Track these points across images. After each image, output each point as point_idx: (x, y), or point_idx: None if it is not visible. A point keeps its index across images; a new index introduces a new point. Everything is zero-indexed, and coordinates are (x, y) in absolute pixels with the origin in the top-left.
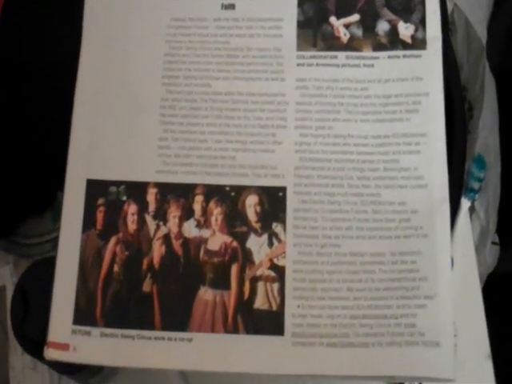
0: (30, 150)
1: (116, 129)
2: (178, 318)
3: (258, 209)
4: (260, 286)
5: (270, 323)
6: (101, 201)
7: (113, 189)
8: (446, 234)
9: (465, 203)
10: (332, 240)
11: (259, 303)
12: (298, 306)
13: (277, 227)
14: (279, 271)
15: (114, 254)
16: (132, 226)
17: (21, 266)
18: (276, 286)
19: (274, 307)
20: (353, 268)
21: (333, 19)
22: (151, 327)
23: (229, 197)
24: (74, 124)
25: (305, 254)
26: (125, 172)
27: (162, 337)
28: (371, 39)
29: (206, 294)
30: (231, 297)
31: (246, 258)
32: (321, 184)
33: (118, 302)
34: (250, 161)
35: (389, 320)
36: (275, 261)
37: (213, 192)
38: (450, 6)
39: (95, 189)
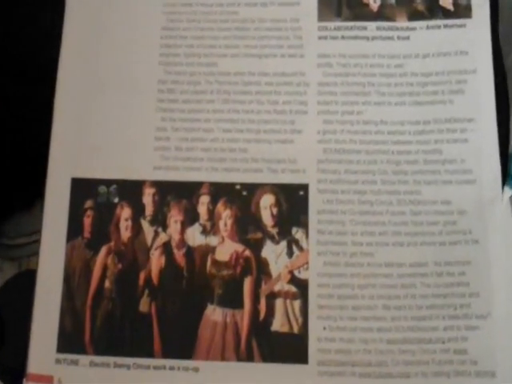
0: (12, 135)
1: (105, 117)
2: (181, 344)
3: (275, 211)
4: (278, 303)
5: (291, 349)
6: (88, 204)
7: (102, 189)
8: (499, 240)
9: (507, 192)
10: (363, 248)
11: (278, 325)
12: (325, 328)
13: (297, 233)
14: (301, 286)
15: (105, 267)
16: (126, 233)
17: (5, 270)
18: (297, 303)
19: (296, 329)
20: (389, 281)
21: None
22: (150, 354)
23: (240, 197)
24: (57, 111)
25: (331, 265)
26: (116, 169)
27: (162, 366)
28: (406, 7)
29: (214, 313)
30: (244, 317)
31: (262, 271)
32: (349, 180)
33: (110, 324)
34: (265, 154)
35: (434, 345)
36: (296, 273)
37: (221, 191)
38: None
39: (82, 189)
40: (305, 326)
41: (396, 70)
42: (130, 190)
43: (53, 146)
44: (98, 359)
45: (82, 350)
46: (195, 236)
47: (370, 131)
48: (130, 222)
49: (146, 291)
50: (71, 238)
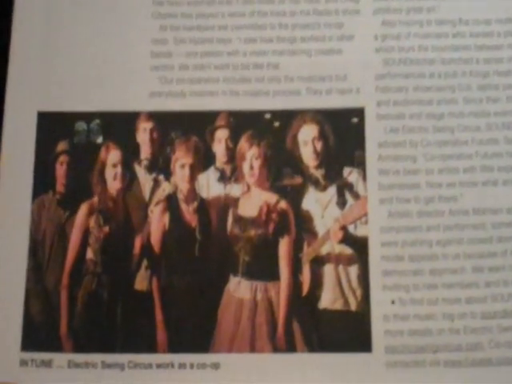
0: None
1: (83, 28)
2: (195, 332)
3: (319, 146)
4: (328, 271)
5: (348, 333)
6: (62, 146)
7: (81, 126)
8: None
9: None
10: (443, 190)
11: (328, 300)
12: (393, 302)
13: (351, 174)
14: (358, 246)
15: (87, 232)
16: (114, 184)
17: None
18: (354, 270)
19: (353, 306)
20: (481, 234)
21: None
22: (151, 349)
23: (271, 129)
24: (16, 22)
25: (399, 216)
26: (99, 98)
27: (169, 363)
28: None
29: (239, 289)
30: (281, 292)
31: (303, 228)
32: (421, 100)
33: (94, 309)
34: (303, 69)
35: None
36: (351, 229)
37: (244, 123)
38: None
39: (52, 127)
40: (366, 300)
41: None
42: (119, 125)
43: (11, 69)
44: (80, 358)
45: (56, 347)
46: (210, 184)
47: (445, 34)
48: (119, 169)
49: (144, 262)
50: (38, 194)
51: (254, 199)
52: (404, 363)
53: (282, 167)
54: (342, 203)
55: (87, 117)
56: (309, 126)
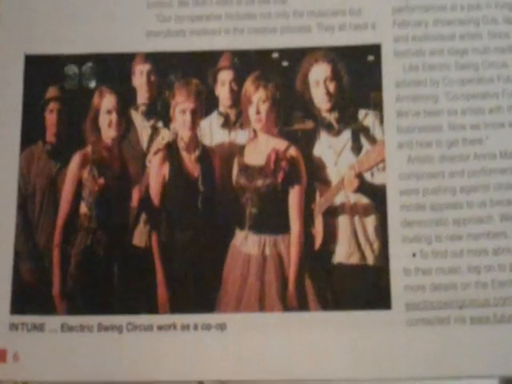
0: None
1: None
2: (198, 291)
3: (332, 87)
4: (342, 223)
5: (365, 288)
6: (52, 92)
7: (72, 70)
8: None
9: None
10: (467, 132)
11: (343, 254)
12: (414, 255)
13: (367, 117)
14: (376, 195)
15: (80, 185)
16: (109, 132)
17: None
18: (371, 221)
19: (371, 260)
20: (509, 179)
21: None
22: (152, 309)
23: (279, 69)
24: None
25: (420, 162)
26: (91, 39)
27: (171, 324)
28: None
29: (246, 243)
30: (292, 245)
31: (315, 176)
32: (442, 35)
33: (89, 268)
34: (313, 2)
35: None
36: (367, 177)
37: (250, 63)
38: None
39: (41, 71)
40: (384, 253)
41: None
42: (113, 68)
43: None
44: (74, 320)
45: (49, 309)
46: (213, 131)
47: None
48: (114, 116)
49: (143, 216)
50: (27, 144)
51: (261, 146)
52: (426, 321)
53: (291, 111)
54: (357, 148)
55: (79, 59)
56: (320, 65)
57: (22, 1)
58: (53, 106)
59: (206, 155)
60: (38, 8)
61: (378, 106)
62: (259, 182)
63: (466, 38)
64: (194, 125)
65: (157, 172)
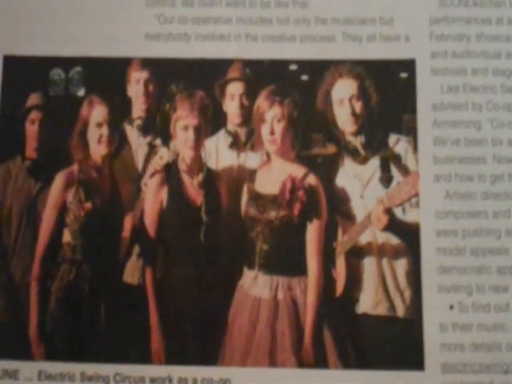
0: None
1: None
2: (199, 340)
3: (359, 106)
4: (368, 266)
5: (394, 346)
6: (34, 99)
7: (57, 74)
8: None
9: None
10: None
11: (368, 303)
12: (452, 308)
13: (398, 143)
14: (408, 235)
15: (64, 209)
16: (99, 148)
17: None
18: (402, 265)
19: (401, 311)
20: None
21: None
22: (144, 359)
23: (297, 83)
24: None
25: (459, 198)
26: (80, 40)
27: (166, 377)
28: None
29: (255, 285)
30: (309, 290)
31: (337, 210)
32: (486, 52)
33: (73, 307)
34: (338, 8)
35: None
36: (398, 213)
37: (263, 75)
38: None
39: (22, 75)
40: (417, 303)
41: None
42: (106, 74)
43: None
44: (54, 368)
45: (24, 354)
46: (220, 152)
47: None
48: (105, 130)
49: (136, 249)
50: (3, 160)
51: (275, 172)
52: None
53: (310, 132)
54: (386, 180)
55: (66, 63)
56: (345, 80)
57: None
58: (34, 115)
59: (210, 180)
60: (20, 3)
61: (411, 131)
62: (272, 214)
63: None
64: (198, 144)
65: (153, 197)
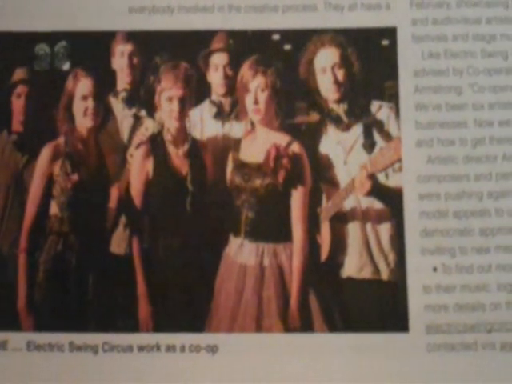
0: None
1: None
2: (186, 307)
3: (341, 74)
4: (353, 231)
5: (379, 308)
6: (19, 74)
7: (42, 49)
8: None
9: None
10: (496, 129)
11: (353, 267)
12: (435, 270)
13: (381, 110)
14: (391, 199)
15: (51, 181)
16: (84, 121)
17: None
18: (386, 229)
19: (385, 274)
20: None
21: None
22: (132, 327)
23: (280, 54)
24: None
25: (441, 162)
26: (65, 14)
27: (154, 345)
28: None
29: (241, 252)
30: (295, 256)
31: (321, 177)
32: (466, 18)
33: (60, 278)
34: None
35: None
36: (381, 178)
37: (247, 45)
38: None
39: (7, 51)
40: (401, 266)
41: None
42: (90, 48)
43: None
44: (42, 338)
45: (13, 324)
46: (205, 122)
47: None
48: (90, 102)
49: (122, 219)
50: None
51: (259, 141)
52: (449, 346)
53: (294, 101)
54: (369, 146)
55: (50, 38)
56: (327, 49)
57: None
58: (20, 89)
59: (195, 150)
60: None
61: (393, 98)
62: (257, 182)
63: (493, 22)
64: (183, 115)
65: (139, 168)
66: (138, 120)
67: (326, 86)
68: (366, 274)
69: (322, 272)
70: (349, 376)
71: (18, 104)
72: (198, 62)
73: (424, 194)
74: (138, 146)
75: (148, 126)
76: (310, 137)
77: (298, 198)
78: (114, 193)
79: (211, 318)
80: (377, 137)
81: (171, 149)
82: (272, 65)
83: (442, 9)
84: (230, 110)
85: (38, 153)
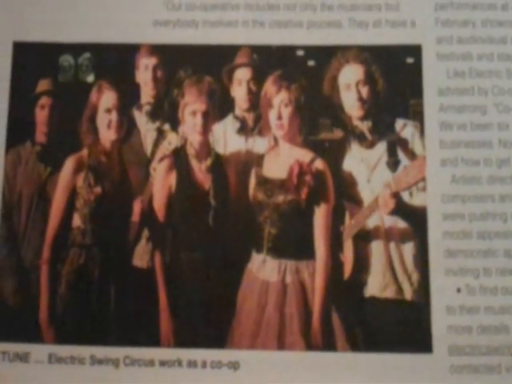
0: None
1: None
2: (207, 323)
3: (365, 91)
4: (376, 249)
5: (402, 329)
6: (44, 85)
7: (67, 60)
8: None
9: None
10: None
11: (376, 286)
12: (459, 291)
13: (405, 128)
14: (415, 218)
15: (74, 193)
16: (108, 133)
17: None
18: (409, 248)
19: (409, 294)
20: None
21: None
22: (154, 342)
23: (304, 69)
24: None
25: (466, 182)
26: (90, 26)
27: (176, 360)
28: None
29: (263, 269)
30: (317, 274)
31: (344, 194)
32: (491, 37)
33: (82, 290)
34: None
35: None
36: (405, 197)
37: (271, 61)
38: None
39: (32, 61)
40: (424, 287)
41: None
42: (115, 60)
43: None
44: (64, 350)
45: (35, 337)
46: (228, 137)
47: None
48: (114, 115)
49: (145, 232)
50: (13, 145)
51: (282, 157)
52: (473, 368)
53: (317, 117)
54: (393, 164)
55: (75, 49)
56: (352, 66)
57: None
58: (44, 101)
59: (218, 164)
60: None
61: (417, 116)
62: (280, 199)
63: None
64: (206, 129)
65: (162, 182)
66: (161, 134)
67: (350, 102)
68: (390, 293)
69: (344, 290)
70: None
71: (41, 115)
72: (221, 76)
73: (448, 214)
74: (161, 160)
75: (171, 140)
76: (333, 154)
77: (320, 216)
78: (137, 206)
79: (233, 334)
80: (401, 155)
81: (194, 163)
82: (296, 80)
83: (468, 28)
84: (254, 126)
85: (61, 164)
